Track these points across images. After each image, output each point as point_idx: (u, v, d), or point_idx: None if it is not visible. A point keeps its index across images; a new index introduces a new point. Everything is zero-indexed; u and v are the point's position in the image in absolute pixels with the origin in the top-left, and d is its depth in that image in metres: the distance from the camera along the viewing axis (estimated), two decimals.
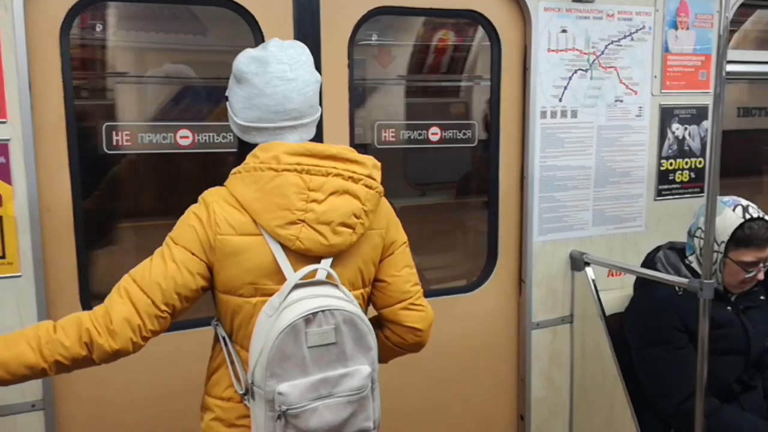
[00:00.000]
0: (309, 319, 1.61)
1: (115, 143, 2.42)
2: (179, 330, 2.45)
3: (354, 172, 1.73)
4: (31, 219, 2.21)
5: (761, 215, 2.62)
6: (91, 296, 2.36)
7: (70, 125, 2.28)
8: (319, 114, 1.86)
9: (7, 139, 2.16)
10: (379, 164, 1.81)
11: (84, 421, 2.43)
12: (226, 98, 1.84)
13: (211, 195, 1.74)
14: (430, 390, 2.97)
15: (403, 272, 1.88)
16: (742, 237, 2.58)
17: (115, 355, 1.64)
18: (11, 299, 2.21)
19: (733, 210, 2.61)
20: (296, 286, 1.66)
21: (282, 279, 1.68)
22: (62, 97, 2.26)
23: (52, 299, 2.29)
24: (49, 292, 2.28)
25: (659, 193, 3.24)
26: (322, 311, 1.62)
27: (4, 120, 2.15)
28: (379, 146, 2.92)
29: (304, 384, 1.62)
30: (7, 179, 2.17)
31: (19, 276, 2.21)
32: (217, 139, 2.52)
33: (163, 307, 1.66)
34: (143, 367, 2.44)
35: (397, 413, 2.89)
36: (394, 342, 1.90)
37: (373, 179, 1.77)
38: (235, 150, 1.96)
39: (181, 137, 2.49)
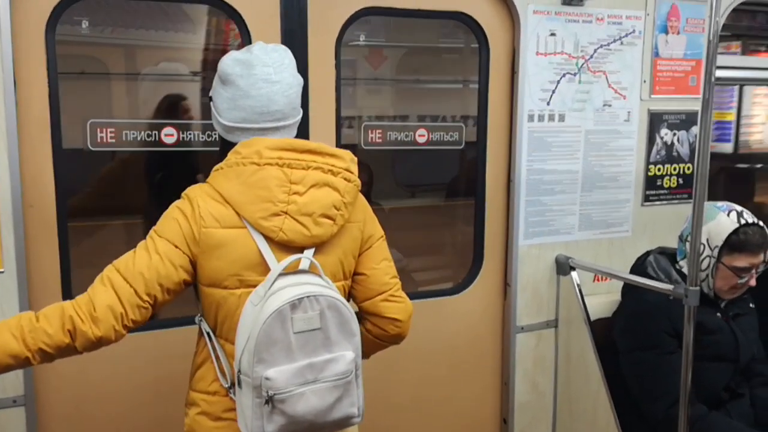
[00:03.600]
0: (295, 305, 1.64)
1: (99, 140, 2.42)
2: (161, 329, 2.47)
3: (333, 166, 1.79)
4: (15, 215, 2.21)
5: (756, 221, 2.62)
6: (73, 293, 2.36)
7: (54, 122, 2.28)
8: (300, 116, 1.90)
9: None
10: (356, 158, 1.86)
11: (65, 416, 2.44)
12: (210, 98, 1.89)
13: (194, 191, 1.78)
14: (413, 391, 2.98)
15: (382, 265, 1.93)
16: (736, 242, 2.57)
17: (98, 342, 1.66)
18: None
19: (728, 215, 2.61)
20: (280, 276, 1.69)
21: (266, 270, 1.72)
22: (47, 94, 2.26)
23: (35, 295, 2.30)
24: (31, 288, 2.29)
25: (647, 199, 3.23)
26: (307, 297, 1.65)
27: None
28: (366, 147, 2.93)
29: (291, 369, 1.64)
30: None
31: (2, 272, 2.22)
32: (202, 138, 2.53)
33: (145, 297, 1.69)
34: (124, 362, 2.46)
35: (382, 412, 2.89)
36: (375, 335, 1.93)
37: (351, 173, 1.82)
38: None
39: (166, 135, 2.49)
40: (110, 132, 2.43)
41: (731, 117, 5.56)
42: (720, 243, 2.58)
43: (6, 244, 2.21)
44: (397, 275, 1.97)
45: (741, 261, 2.58)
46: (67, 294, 2.36)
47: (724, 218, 2.59)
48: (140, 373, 2.49)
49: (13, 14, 2.16)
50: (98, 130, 2.41)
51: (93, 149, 2.42)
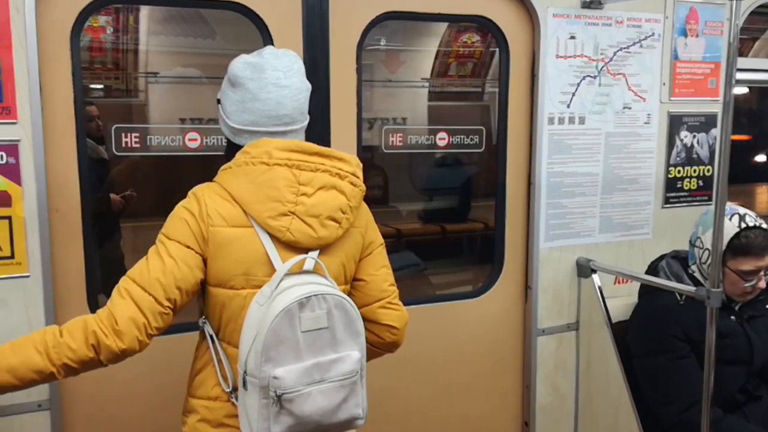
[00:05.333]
0: (302, 303, 1.64)
1: (124, 145, 2.44)
2: (183, 332, 2.47)
3: (340, 169, 1.80)
4: (40, 219, 2.22)
5: (758, 223, 2.60)
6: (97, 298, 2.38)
7: (79, 127, 2.29)
8: (307, 121, 1.91)
9: (18, 140, 2.17)
10: (361, 164, 1.87)
11: (90, 421, 2.44)
12: (219, 101, 1.90)
13: (202, 190, 1.79)
14: (434, 394, 2.97)
15: (381, 272, 1.95)
16: (739, 246, 2.56)
17: (123, 354, 1.66)
18: (19, 299, 2.23)
19: (730, 219, 2.59)
20: (286, 276, 1.70)
21: (271, 270, 1.73)
22: (72, 99, 2.28)
23: (60, 300, 2.30)
24: (56, 292, 2.29)
25: (667, 201, 3.23)
26: (315, 296, 1.66)
27: (15, 121, 2.16)
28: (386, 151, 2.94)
29: (298, 369, 1.65)
30: (17, 180, 2.18)
31: (28, 276, 2.22)
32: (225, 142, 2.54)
33: (166, 303, 1.69)
34: (148, 365, 2.44)
35: (402, 418, 2.90)
36: (371, 341, 1.93)
37: (357, 177, 1.84)
38: None
39: (190, 140, 2.50)
40: (135, 137, 2.45)
41: None
42: (723, 247, 2.55)
43: (31, 248, 2.22)
44: (395, 284, 1.98)
45: (746, 264, 2.57)
46: (92, 298, 2.37)
47: (726, 222, 2.56)
48: (165, 375, 2.49)
49: (38, 21, 2.17)
50: (123, 134, 2.44)
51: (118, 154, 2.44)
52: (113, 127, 2.43)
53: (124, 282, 1.70)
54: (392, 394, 2.80)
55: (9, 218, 2.19)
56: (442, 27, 4.45)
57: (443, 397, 2.99)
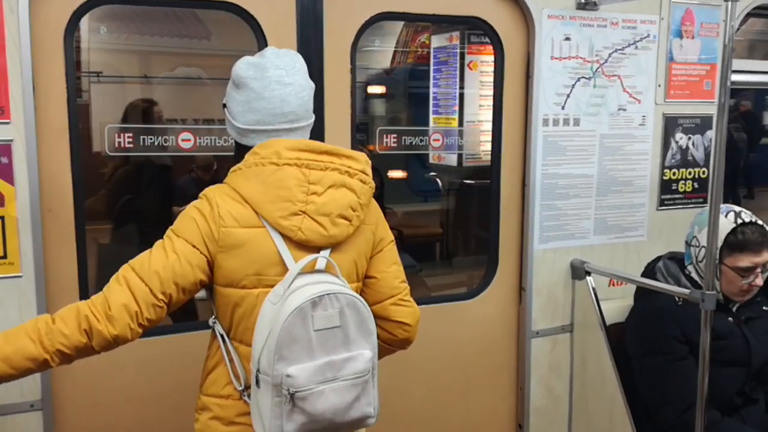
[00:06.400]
0: (315, 302, 1.65)
1: (117, 145, 2.44)
2: (176, 333, 2.48)
3: (350, 167, 1.81)
4: (33, 219, 2.23)
5: (754, 220, 2.60)
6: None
7: (72, 127, 2.30)
8: (313, 119, 1.92)
9: (11, 140, 2.17)
10: (370, 161, 1.88)
11: (82, 421, 2.44)
12: (224, 105, 1.90)
13: (213, 191, 1.80)
14: (428, 397, 2.97)
15: (392, 269, 1.96)
16: (735, 242, 2.55)
17: (114, 341, 1.67)
18: (13, 299, 2.23)
19: (726, 216, 2.58)
20: (298, 275, 1.71)
21: (284, 270, 1.73)
22: (65, 99, 2.28)
23: (53, 300, 2.30)
24: (49, 292, 2.29)
25: (662, 203, 3.23)
26: (328, 295, 1.67)
27: (8, 121, 2.17)
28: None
29: (311, 367, 1.65)
30: (10, 179, 2.19)
31: (20, 276, 2.23)
32: (219, 142, 2.54)
33: (160, 296, 1.69)
34: (141, 367, 2.46)
35: (396, 420, 2.88)
36: (383, 339, 1.93)
37: (366, 174, 1.84)
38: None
39: (183, 140, 2.50)
40: (128, 137, 2.46)
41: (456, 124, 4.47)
42: (720, 244, 2.55)
43: (24, 248, 2.22)
44: (406, 280, 1.98)
45: (743, 261, 2.55)
46: (85, 298, 2.34)
47: (722, 219, 2.56)
48: (157, 378, 2.50)
49: (32, 20, 2.17)
50: (116, 135, 2.44)
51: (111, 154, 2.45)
52: (106, 128, 2.43)
53: (123, 270, 1.72)
54: (384, 395, 2.78)
55: (2, 218, 2.19)
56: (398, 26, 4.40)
57: (436, 399, 2.99)
